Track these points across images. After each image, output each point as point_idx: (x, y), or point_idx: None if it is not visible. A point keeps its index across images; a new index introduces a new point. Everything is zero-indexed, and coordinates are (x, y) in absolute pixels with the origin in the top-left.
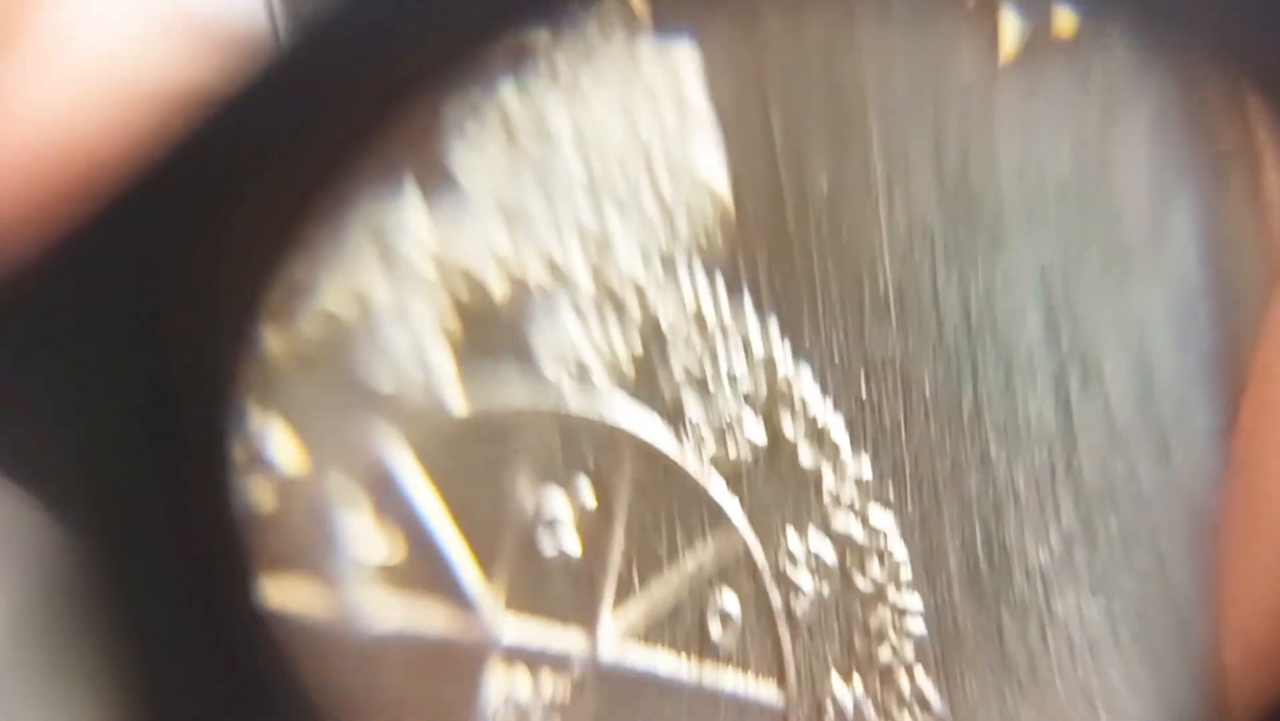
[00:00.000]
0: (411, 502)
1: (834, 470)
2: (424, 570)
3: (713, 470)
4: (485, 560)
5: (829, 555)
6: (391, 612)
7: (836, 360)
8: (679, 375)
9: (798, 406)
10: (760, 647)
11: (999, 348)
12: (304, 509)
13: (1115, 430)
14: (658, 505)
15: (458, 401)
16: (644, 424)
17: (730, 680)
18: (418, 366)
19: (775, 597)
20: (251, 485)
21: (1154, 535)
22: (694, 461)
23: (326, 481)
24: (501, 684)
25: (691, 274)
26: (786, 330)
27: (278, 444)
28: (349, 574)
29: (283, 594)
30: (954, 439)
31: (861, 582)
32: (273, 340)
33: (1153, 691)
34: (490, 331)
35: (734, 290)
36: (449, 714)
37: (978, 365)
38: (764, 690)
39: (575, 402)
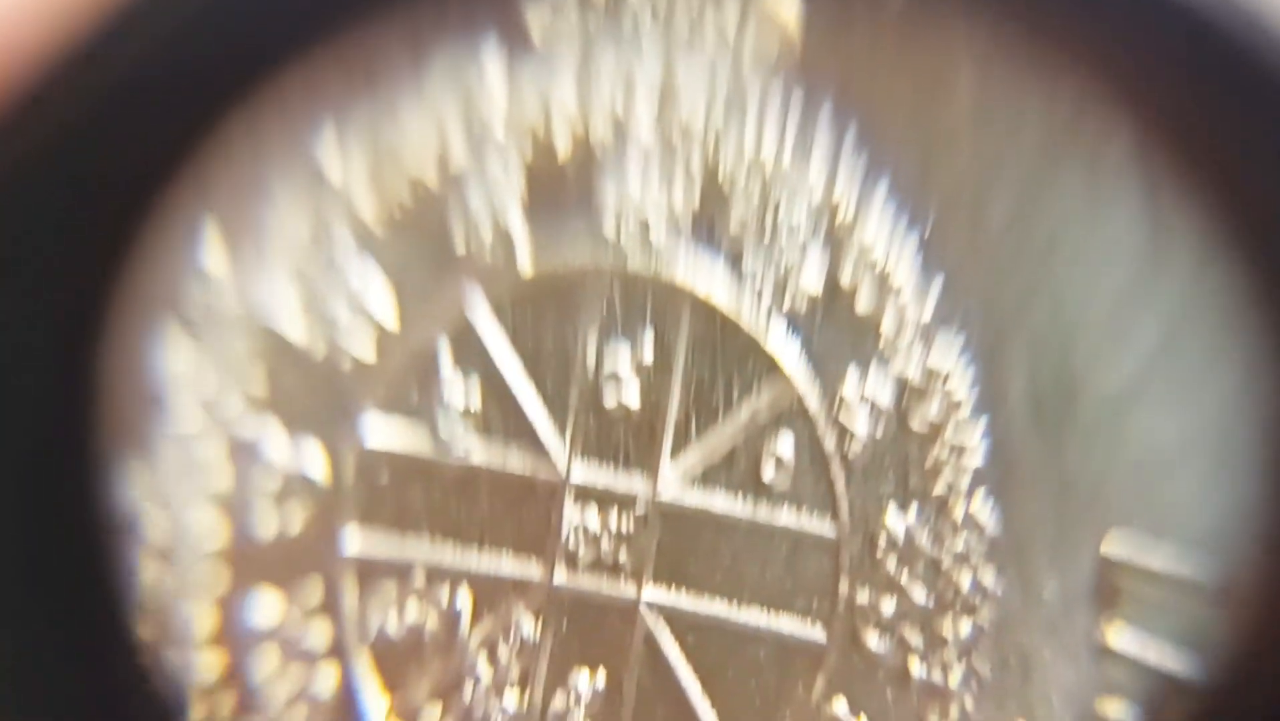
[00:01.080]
0: (489, 355)
1: (894, 314)
2: (501, 416)
3: (769, 321)
4: (555, 409)
5: (885, 398)
6: (476, 451)
7: (907, 190)
8: (737, 228)
9: (859, 251)
10: (814, 487)
11: (1081, 164)
12: (400, 360)
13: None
14: (714, 357)
15: (527, 261)
16: (702, 278)
17: (785, 516)
18: (491, 227)
19: (829, 441)
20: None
21: (1242, 347)
22: (750, 313)
23: (418, 335)
24: (574, 516)
25: (755, 117)
26: (856, 163)
27: (377, 299)
28: (440, 418)
29: (388, 434)
30: (1027, 267)
31: (917, 423)
32: (367, 206)
33: (1219, 507)
34: (556, 191)
35: (799, 126)
36: (531, 539)
37: (1058, 187)
38: (817, 524)
39: (636, 260)
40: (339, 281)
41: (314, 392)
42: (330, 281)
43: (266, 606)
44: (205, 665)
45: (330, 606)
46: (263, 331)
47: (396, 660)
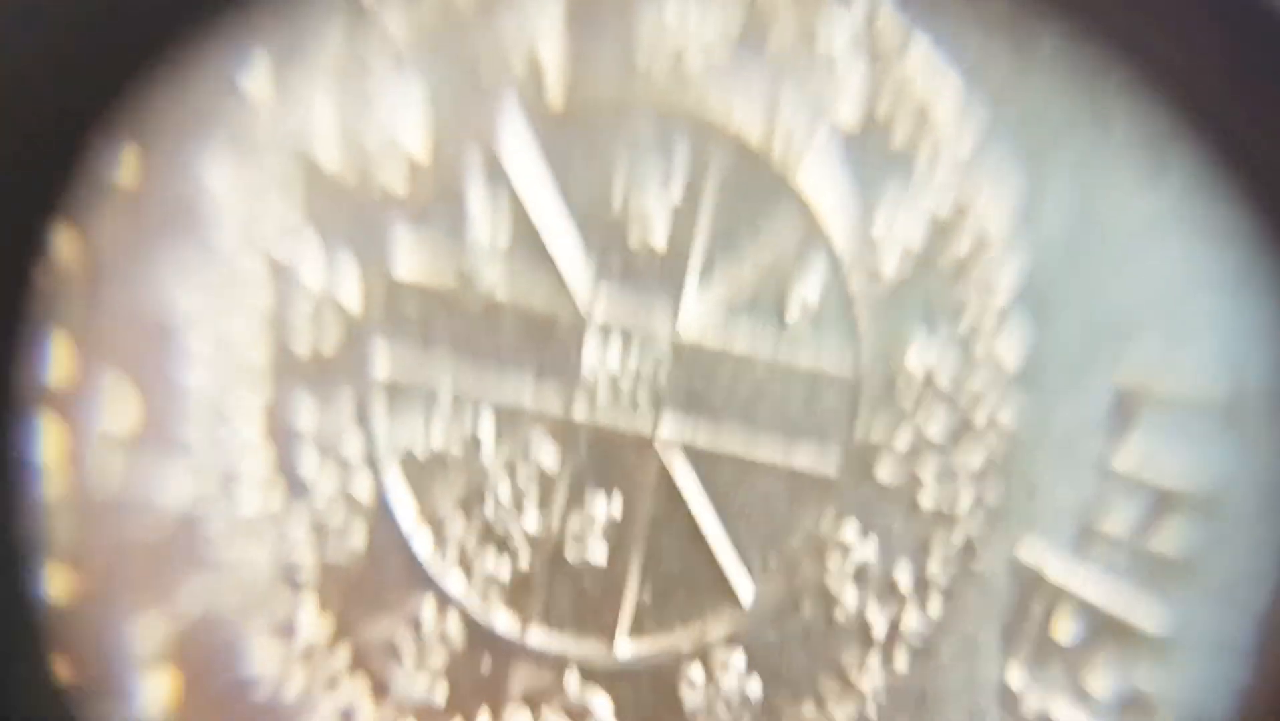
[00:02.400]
0: (517, 190)
1: (930, 150)
2: (527, 251)
3: (800, 157)
4: (580, 246)
5: (914, 237)
6: (501, 286)
7: (952, 21)
8: (773, 60)
9: (898, 83)
10: (836, 327)
11: None
12: (429, 191)
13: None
14: (743, 195)
15: (559, 92)
16: (734, 113)
17: (805, 356)
18: (524, 57)
19: (854, 282)
20: (389, 169)
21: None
22: (782, 149)
23: (447, 167)
24: (595, 353)
25: None
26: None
27: (410, 125)
28: (466, 251)
29: (415, 265)
30: (1068, 101)
31: (945, 261)
32: (402, 34)
33: (1234, 331)
34: (591, 20)
35: None
36: (551, 373)
37: (1106, 18)
38: (837, 364)
39: (668, 93)
40: (372, 111)
41: (346, 221)
42: (363, 111)
43: (305, 412)
44: (255, 457)
45: (362, 421)
46: (298, 157)
47: (423, 474)
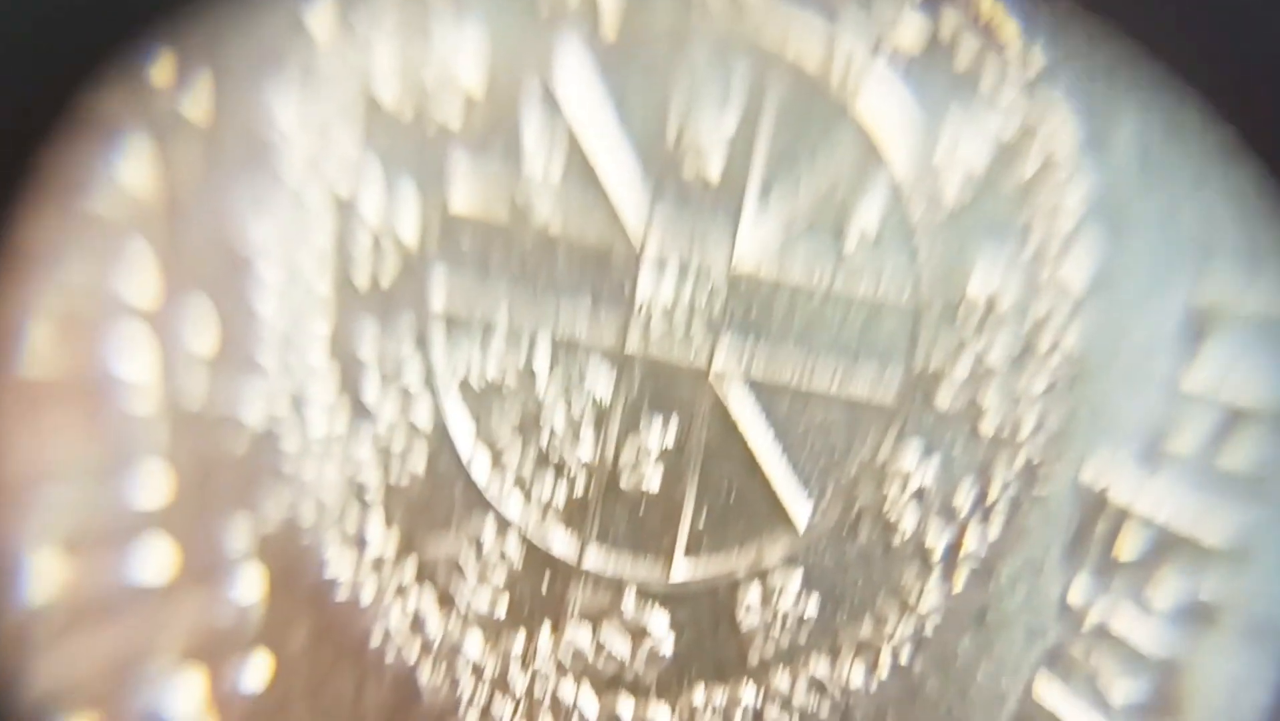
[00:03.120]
0: (571, 124)
1: (995, 71)
2: (581, 185)
3: (859, 84)
4: (634, 180)
5: (978, 161)
6: (555, 220)
7: None
8: None
9: (962, 3)
10: (895, 256)
11: None
12: (484, 126)
13: None
14: (800, 124)
15: (613, 23)
16: (791, 40)
17: (863, 285)
18: None
19: (915, 210)
20: (446, 104)
21: None
22: (840, 76)
23: (504, 95)
24: (648, 286)
25: None
26: None
27: (463, 69)
28: (521, 185)
29: (471, 198)
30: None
31: (1010, 186)
32: None
33: None
34: None
35: None
36: (605, 306)
37: None
38: (896, 293)
39: (723, 21)
40: (430, 47)
41: (404, 155)
42: (422, 47)
43: (366, 340)
44: (321, 381)
45: (420, 350)
46: (360, 92)
47: (480, 401)
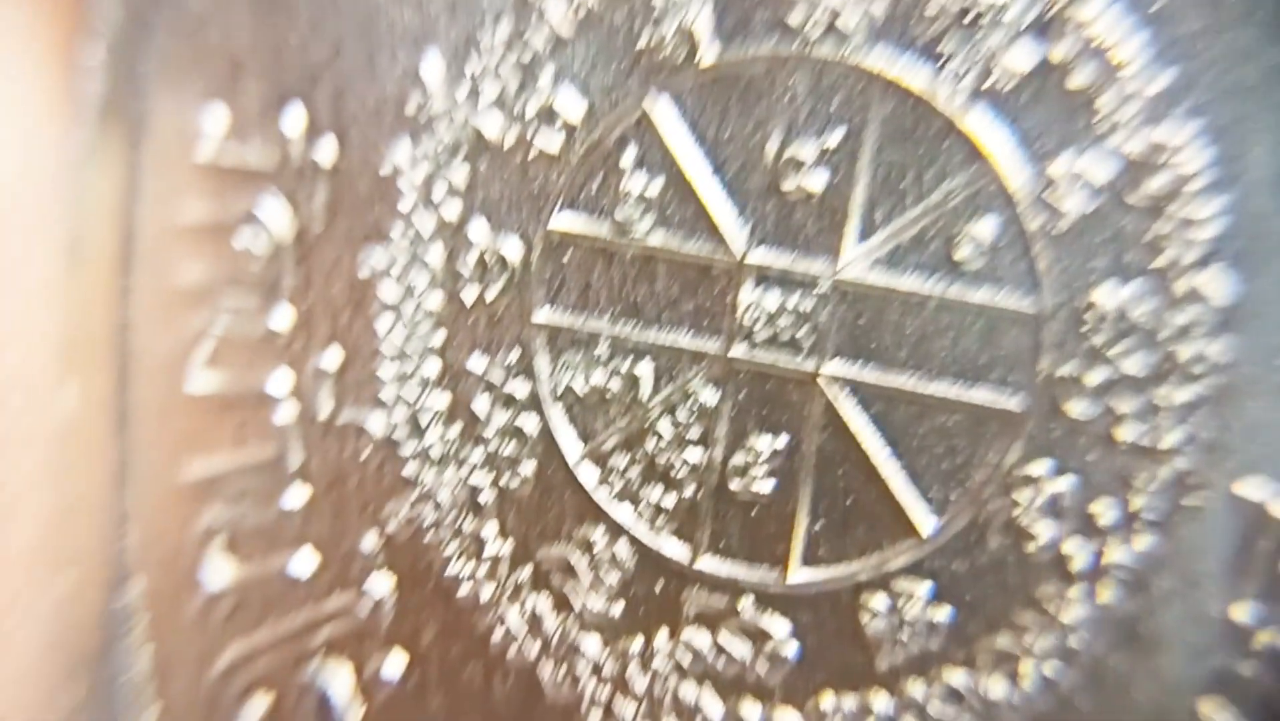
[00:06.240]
0: (669, 144)
1: (1115, 91)
2: (680, 202)
3: (969, 102)
4: (734, 195)
5: (1100, 175)
6: (655, 236)
7: None
8: (937, 9)
9: (1075, 26)
10: (1013, 265)
11: None
12: (585, 151)
13: None
14: (906, 140)
15: (711, 51)
16: (895, 63)
17: (979, 293)
18: (677, 19)
19: (1033, 221)
20: (546, 135)
21: None
22: (947, 95)
23: (602, 127)
24: (751, 296)
25: None
26: None
27: (564, 99)
28: (621, 204)
29: (573, 219)
30: (1269, 44)
31: (1137, 198)
32: (555, 9)
33: None
34: None
35: None
36: (708, 317)
37: None
38: (1017, 301)
39: (825, 48)
40: (533, 82)
41: (507, 182)
42: (525, 82)
43: (477, 352)
44: (435, 394)
45: (526, 366)
46: (467, 129)
47: (587, 415)
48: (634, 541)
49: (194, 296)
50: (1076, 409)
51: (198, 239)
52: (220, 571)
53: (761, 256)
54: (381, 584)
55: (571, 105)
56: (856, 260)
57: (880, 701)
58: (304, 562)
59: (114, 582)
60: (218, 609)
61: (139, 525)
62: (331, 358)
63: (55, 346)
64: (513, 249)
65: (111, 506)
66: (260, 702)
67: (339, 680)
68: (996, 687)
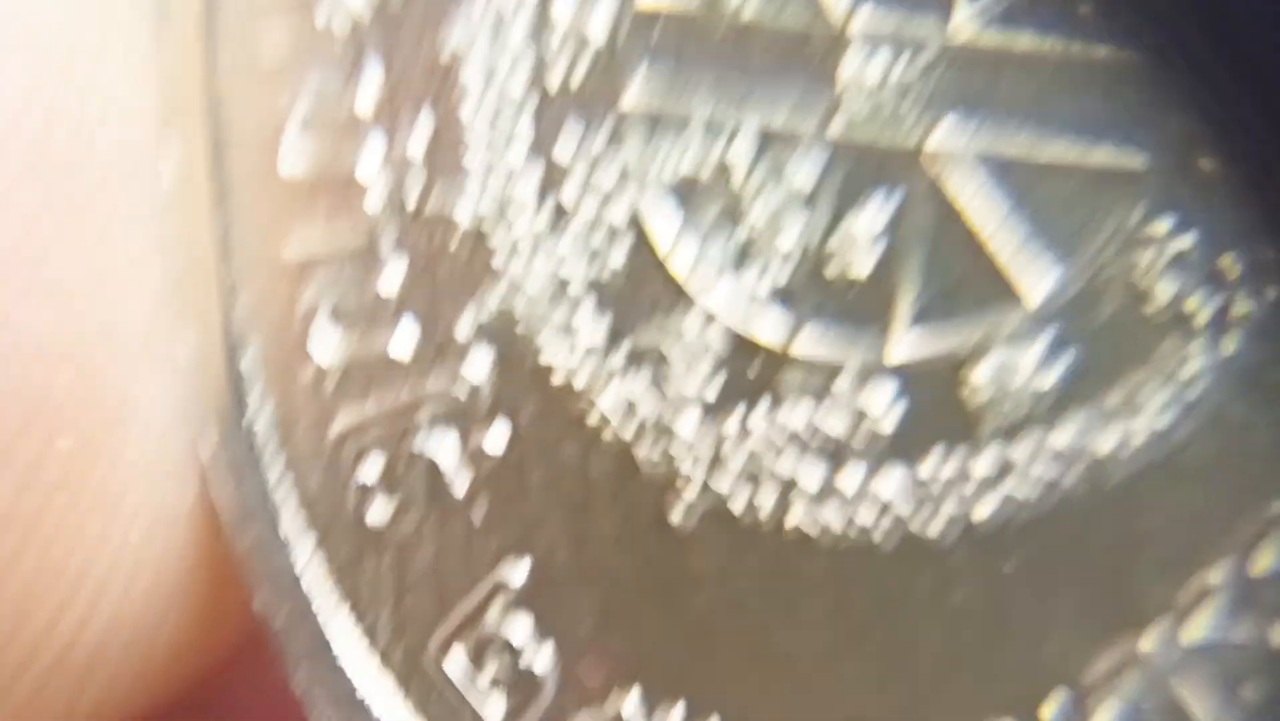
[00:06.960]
0: None
1: None
2: None
3: None
4: None
5: None
6: (749, 7)
7: None
8: None
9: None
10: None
11: None
12: None
13: None
14: None
15: None
16: None
17: (1102, 51)
18: None
19: None
20: None
21: None
22: None
23: None
24: (852, 67)
25: None
26: None
27: None
28: None
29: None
30: None
31: None
32: None
33: None
34: None
35: None
36: (807, 90)
37: None
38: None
39: None
40: None
41: None
42: None
43: (563, 139)
44: (522, 182)
45: (616, 148)
46: None
47: (678, 195)
48: (725, 327)
49: (279, 75)
50: (1207, 164)
51: (279, 14)
52: (327, 345)
53: (864, 22)
54: (478, 369)
55: None
56: (969, 22)
57: (981, 464)
58: (402, 344)
59: (232, 346)
60: (327, 381)
61: (248, 295)
62: (417, 145)
63: (151, 119)
64: (598, 28)
65: (221, 276)
66: (375, 464)
67: (445, 450)
68: (1104, 443)
